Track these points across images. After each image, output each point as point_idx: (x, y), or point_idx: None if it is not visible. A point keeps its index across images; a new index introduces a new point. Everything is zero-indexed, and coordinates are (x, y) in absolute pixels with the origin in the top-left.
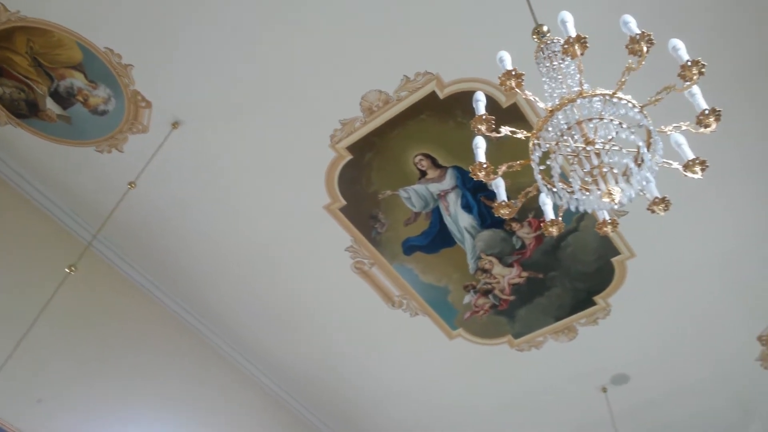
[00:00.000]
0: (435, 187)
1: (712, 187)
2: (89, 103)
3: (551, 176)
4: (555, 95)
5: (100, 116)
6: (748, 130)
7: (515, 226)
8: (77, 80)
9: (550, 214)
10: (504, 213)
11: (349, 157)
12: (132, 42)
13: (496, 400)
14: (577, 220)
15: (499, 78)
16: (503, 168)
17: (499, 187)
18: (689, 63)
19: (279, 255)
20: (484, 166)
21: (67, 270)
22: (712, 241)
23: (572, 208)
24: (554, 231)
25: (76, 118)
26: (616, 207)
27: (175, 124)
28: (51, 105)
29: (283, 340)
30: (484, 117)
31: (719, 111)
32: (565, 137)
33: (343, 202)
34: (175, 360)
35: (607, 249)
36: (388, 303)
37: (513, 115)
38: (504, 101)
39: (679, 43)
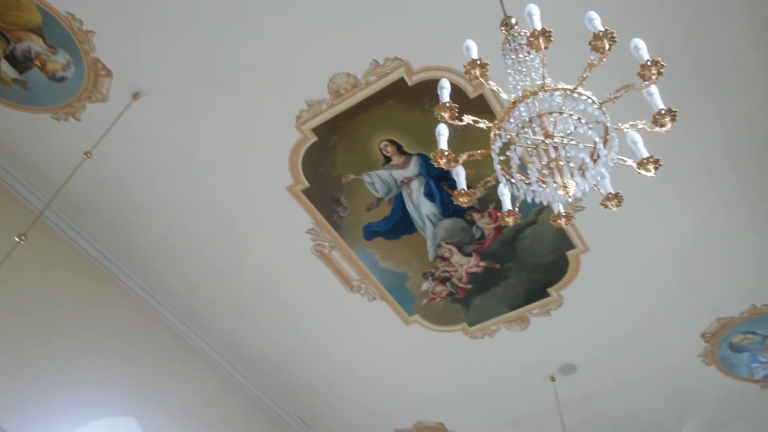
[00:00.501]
0: (399, 174)
1: (667, 187)
2: (47, 68)
3: (510, 167)
4: (519, 87)
5: (58, 83)
6: (706, 132)
7: (476, 216)
8: (35, 44)
9: (507, 204)
10: (463, 201)
11: (314, 139)
12: (95, 8)
13: (448, 386)
14: (536, 213)
15: (464, 66)
16: (464, 157)
17: (460, 175)
18: (649, 63)
19: (239, 233)
20: (446, 153)
21: (16, 239)
22: (663, 239)
23: (528, 200)
24: (510, 221)
25: (33, 84)
26: (570, 200)
27: (135, 96)
28: (6, 68)
29: (239, 320)
30: (447, 104)
31: (675, 111)
32: (525, 129)
33: (306, 184)
34: (125, 337)
35: (563, 242)
36: (347, 287)
37: (480, 106)
38: (471, 92)
39: (640, 43)
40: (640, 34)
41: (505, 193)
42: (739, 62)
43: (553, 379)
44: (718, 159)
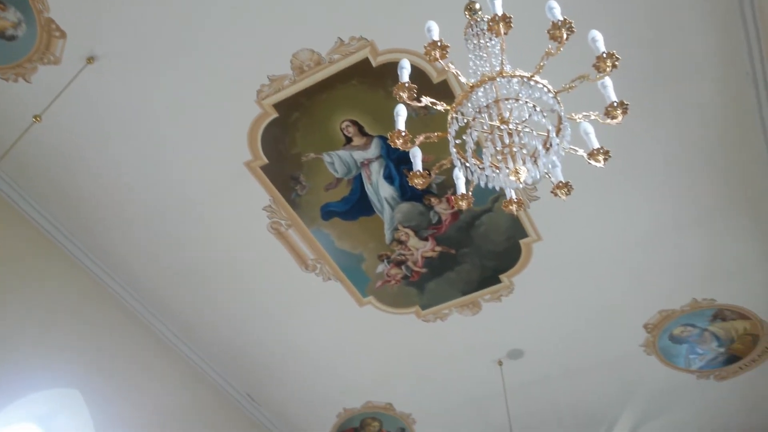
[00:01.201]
0: (359, 155)
1: (619, 180)
2: None
3: (465, 151)
4: (478, 72)
5: (7, 41)
6: (660, 128)
7: (434, 201)
8: None
9: (461, 188)
10: (418, 183)
11: (275, 115)
12: None
13: (398, 367)
14: (492, 201)
15: (425, 47)
16: (421, 138)
17: (416, 157)
18: (604, 55)
19: (193, 206)
20: (402, 134)
21: None
22: (613, 232)
23: (482, 184)
24: (463, 205)
25: None
26: (521, 186)
27: (90, 60)
28: None
29: (191, 296)
30: (406, 84)
31: (627, 104)
32: (482, 114)
33: (265, 161)
34: (72, 308)
35: (517, 231)
36: (302, 266)
37: (443, 92)
38: (435, 77)
39: (598, 35)
40: (600, 28)
41: (459, 177)
42: (696, 61)
43: (500, 363)
44: (671, 154)
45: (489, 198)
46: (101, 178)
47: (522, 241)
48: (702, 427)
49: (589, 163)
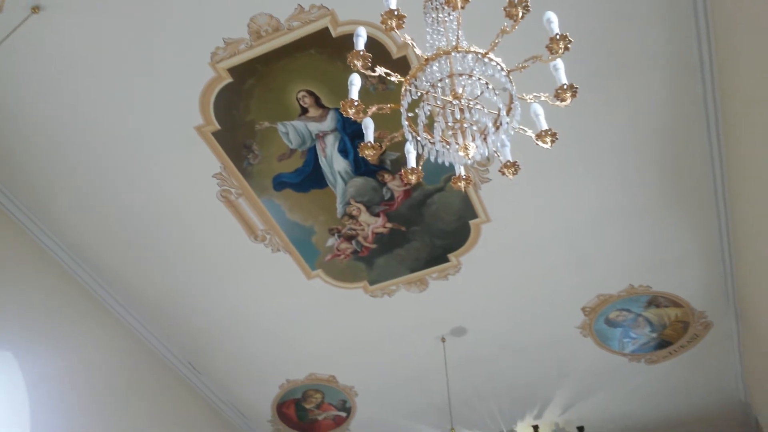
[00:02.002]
0: (314, 127)
1: (569, 166)
2: None
3: (417, 125)
4: (435, 47)
5: None
6: (612, 116)
7: (387, 177)
8: None
9: (412, 162)
10: (368, 154)
11: (229, 79)
12: None
13: (343, 341)
14: (444, 181)
15: (381, 16)
16: (373, 109)
17: (368, 128)
18: (557, 36)
19: (140, 167)
20: (355, 103)
21: None
22: (559, 217)
23: (432, 159)
24: (413, 179)
25: None
26: (470, 162)
27: (35, 9)
28: None
29: (134, 260)
30: (361, 53)
31: (576, 88)
32: (435, 88)
33: (217, 127)
34: (7, 270)
35: (468, 211)
36: (251, 236)
37: (402, 68)
38: (395, 52)
39: (553, 17)
40: (560, 12)
41: (410, 151)
42: (648, 51)
43: (443, 340)
44: (619, 144)
45: (442, 177)
46: (40, 134)
47: (471, 222)
48: (632, 407)
49: (537, 144)
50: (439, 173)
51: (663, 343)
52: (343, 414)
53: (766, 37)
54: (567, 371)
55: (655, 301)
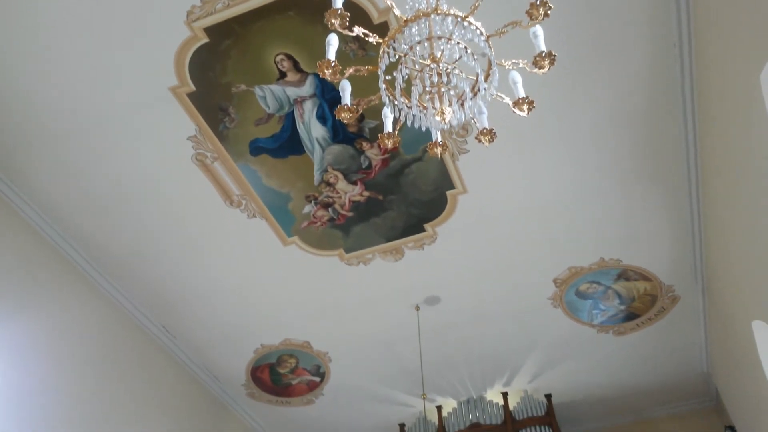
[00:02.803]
0: (293, 92)
1: (546, 141)
2: None
3: (395, 88)
4: (415, 8)
5: None
6: (593, 96)
7: (365, 145)
8: None
9: (389, 127)
10: (345, 117)
11: (205, 39)
12: None
13: (318, 307)
14: (423, 150)
15: None
16: (350, 70)
17: (345, 90)
18: (538, 2)
19: (111, 128)
20: (332, 63)
21: None
22: (535, 190)
23: (408, 123)
24: (389, 144)
25: None
26: (446, 127)
27: None
28: None
29: (107, 224)
30: (339, 11)
31: (555, 55)
32: (414, 51)
33: (193, 88)
34: None
35: (445, 182)
36: (227, 201)
37: (383, 33)
38: (376, 18)
39: None
40: None
41: (387, 116)
42: (629, 28)
43: (417, 308)
44: (597, 119)
45: (420, 147)
46: (4, 92)
47: (448, 192)
48: (598, 376)
49: (514, 111)
50: (418, 143)
51: (631, 316)
52: (317, 379)
53: (741, 20)
54: (537, 341)
55: (624, 275)
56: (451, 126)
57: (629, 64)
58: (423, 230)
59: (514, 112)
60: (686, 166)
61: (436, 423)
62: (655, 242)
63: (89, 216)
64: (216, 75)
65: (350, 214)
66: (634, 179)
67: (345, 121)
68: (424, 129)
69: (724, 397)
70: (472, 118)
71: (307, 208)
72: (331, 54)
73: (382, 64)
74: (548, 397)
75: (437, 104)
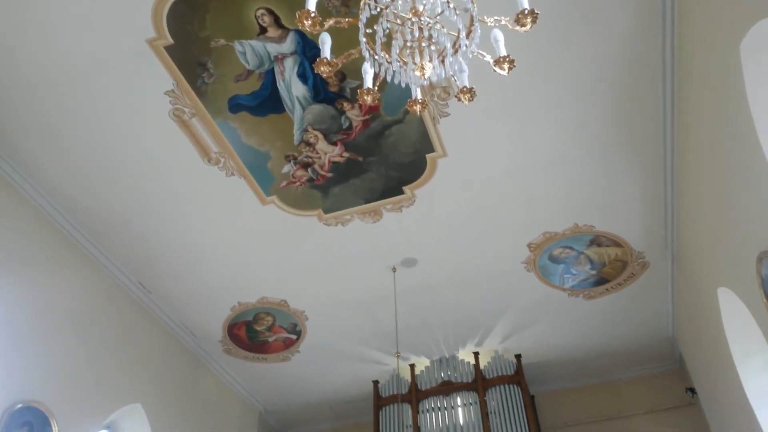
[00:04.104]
0: (273, 48)
1: (525, 106)
2: None
3: (375, 42)
4: None
5: None
6: (573, 64)
7: (346, 106)
8: None
9: (369, 83)
10: (324, 70)
11: None
12: None
13: (295, 267)
14: (403, 113)
15: None
16: (330, 22)
17: (325, 43)
18: None
19: (88, 84)
20: (312, 14)
21: None
22: (512, 155)
23: (388, 79)
24: (369, 100)
25: None
26: (425, 83)
27: None
28: None
29: (82, 179)
30: None
31: (537, 13)
32: (396, 3)
33: (170, 41)
34: None
35: (425, 145)
36: (205, 158)
37: None
38: None
39: None
40: None
41: (368, 72)
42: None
43: (394, 270)
44: (577, 85)
45: (400, 110)
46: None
47: (428, 156)
48: (567, 339)
49: (494, 70)
50: (399, 105)
51: (601, 281)
52: (294, 337)
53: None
54: (509, 303)
55: (597, 241)
56: (431, 82)
57: (612, 30)
58: (402, 193)
59: (494, 70)
60: (662, 136)
61: (409, 380)
62: (629, 210)
63: (66, 172)
64: (194, 28)
65: (330, 174)
66: (612, 147)
67: (324, 75)
68: (404, 85)
69: (687, 361)
70: (452, 76)
71: (287, 168)
72: (311, 4)
73: (363, 17)
74: (518, 357)
75: (417, 59)
